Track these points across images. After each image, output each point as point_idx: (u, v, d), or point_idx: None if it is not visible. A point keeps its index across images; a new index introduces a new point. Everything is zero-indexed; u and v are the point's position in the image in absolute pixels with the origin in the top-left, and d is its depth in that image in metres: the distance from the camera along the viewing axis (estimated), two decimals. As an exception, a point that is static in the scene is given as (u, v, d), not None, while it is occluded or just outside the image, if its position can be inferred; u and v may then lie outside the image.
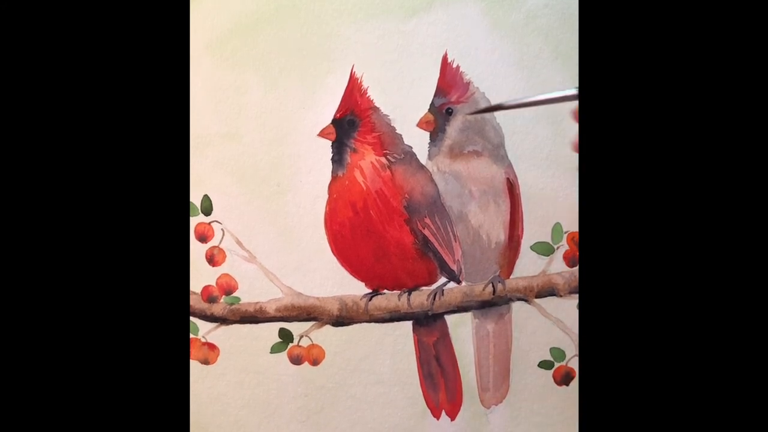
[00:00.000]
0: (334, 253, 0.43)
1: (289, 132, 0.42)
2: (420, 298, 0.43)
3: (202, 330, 0.43)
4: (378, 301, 0.43)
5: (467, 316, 0.44)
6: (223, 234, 0.43)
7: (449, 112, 0.42)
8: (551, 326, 0.44)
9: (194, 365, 0.43)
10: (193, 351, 0.43)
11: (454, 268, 0.43)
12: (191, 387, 0.43)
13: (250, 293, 0.43)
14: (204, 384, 0.43)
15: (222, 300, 0.43)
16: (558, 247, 0.43)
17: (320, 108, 0.42)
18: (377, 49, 0.42)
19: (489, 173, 0.43)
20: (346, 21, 0.42)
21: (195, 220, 0.43)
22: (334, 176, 0.42)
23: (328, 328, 0.43)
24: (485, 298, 0.43)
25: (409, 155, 0.42)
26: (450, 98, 0.42)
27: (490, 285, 0.43)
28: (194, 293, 0.43)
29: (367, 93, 0.42)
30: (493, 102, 0.42)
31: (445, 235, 0.43)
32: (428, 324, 0.43)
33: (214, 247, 0.43)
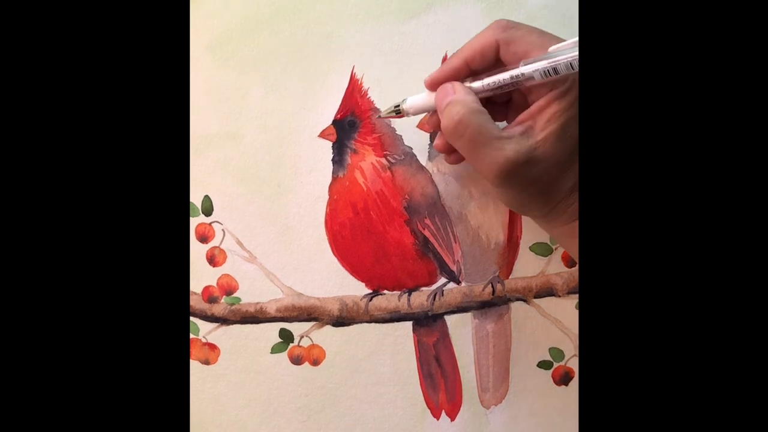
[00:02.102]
0: (334, 254, 0.43)
1: (290, 133, 0.42)
2: (420, 298, 0.43)
3: (202, 330, 0.43)
4: (378, 301, 0.43)
5: (467, 317, 0.44)
6: (224, 234, 0.43)
7: (449, 113, 0.42)
8: (550, 326, 0.44)
9: (195, 365, 0.43)
10: (193, 351, 0.43)
11: (454, 268, 0.43)
12: (191, 387, 0.43)
13: (251, 293, 0.43)
14: (204, 384, 0.43)
15: (223, 300, 0.43)
16: (556, 248, 0.43)
17: (321, 109, 0.42)
18: (378, 50, 0.42)
19: (489, 174, 0.43)
20: (347, 22, 0.42)
21: (195, 221, 0.43)
22: (335, 177, 0.42)
23: (328, 328, 0.43)
24: (485, 299, 0.43)
25: (410, 156, 0.43)
26: (450, 99, 0.42)
27: (490, 285, 0.43)
28: (195, 293, 0.43)
29: (367, 94, 0.42)
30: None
31: (445, 236, 0.43)
32: (428, 324, 0.43)
33: (215, 247, 0.43)
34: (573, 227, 0.35)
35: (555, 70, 0.32)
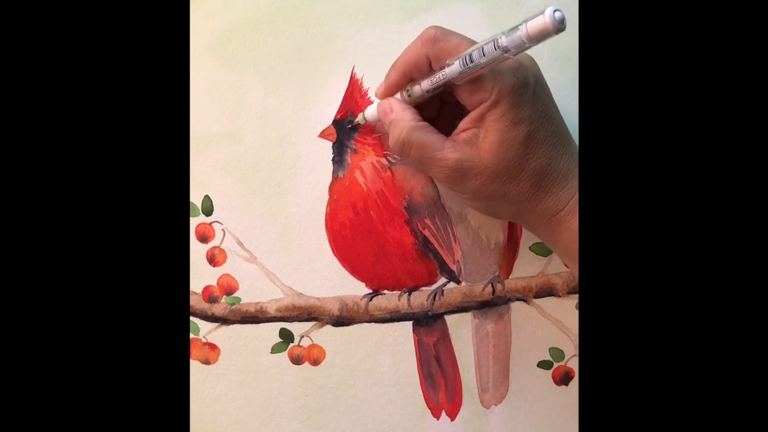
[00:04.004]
0: (334, 254, 0.43)
1: (290, 133, 0.42)
2: (420, 298, 0.43)
3: (203, 330, 0.43)
4: (378, 301, 0.43)
5: (467, 317, 0.44)
6: (224, 234, 0.43)
7: (449, 113, 0.42)
8: (550, 326, 0.44)
9: (195, 365, 0.43)
10: (193, 351, 0.43)
11: (454, 268, 0.43)
12: (192, 387, 0.43)
13: (251, 293, 0.43)
14: (204, 384, 0.43)
15: (223, 300, 0.43)
16: (557, 248, 0.43)
17: (321, 109, 0.42)
18: (378, 50, 0.42)
19: (489, 174, 0.43)
20: (347, 22, 0.42)
21: (196, 221, 0.43)
22: (335, 177, 0.42)
23: (328, 328, 0.43)
24: (485, 299, 0.43)
25: (410, 156, 0.42)
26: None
27: (490, 285, 0.43)
28: (195, 293, 0.43)
29: (367, 94, 0.42)
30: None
31: (445, 236, 0.43)
32: (428, 324, 0.43)
33: (215, 247, 0.43)
34: (549, 227, 0.35)
35: (470, 57, 0.33)
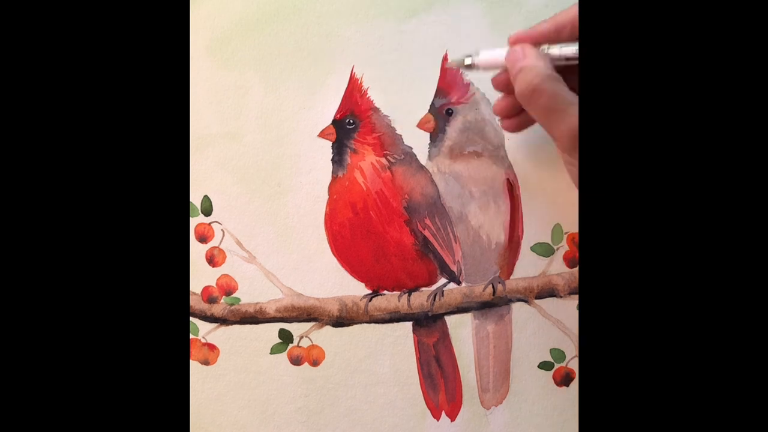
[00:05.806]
0: (334, 254, 0.43)
1: (290, 132, 0.42)
2: (420, 298, 0.43)
3: (202, 330, 0.43)
4: (378, 301, 0.43)
5: (467, 317, 0.44)
6: (224, 234, 0.43)
7: (449, 113, 0.42)
8: (551, 327, 0.44)
9: (194, 366, 0.43)
10: (193, 351, 0.43)
11: (454, 268, 0.43)
12: (191, 387, 0.43)
13: (250, 294, 0.43)
14: (204, 384, 0.43)
15: (222, 300, 0.43)
16: (558, 248, 0.43)
17: (320, 108, 0.42)
18: (377, 50, 0.42)
19: (489, 174, 0.43)
20: (347, 22, 0.42)
21: (195, 221, 0.43)
22: (335, 177, 0.42)
23: (328, 328, 0.43)
24: (485, 299, 0.43)
25: (409, 156, 0.42)
26: (450, 99, 0.42)
27: (490, 286, 0.43)
28: (194, 294, 0.43)
29: (367, 94, 0.42)
30: (492, 102, 0.42)
31: (445, 236, 0.43)
32: (428, 325, 0.43)
33: (214, 247, 0.43)
34: None
35: None
